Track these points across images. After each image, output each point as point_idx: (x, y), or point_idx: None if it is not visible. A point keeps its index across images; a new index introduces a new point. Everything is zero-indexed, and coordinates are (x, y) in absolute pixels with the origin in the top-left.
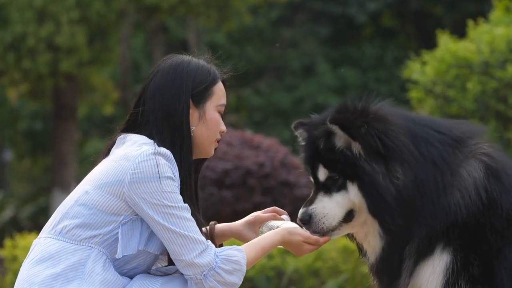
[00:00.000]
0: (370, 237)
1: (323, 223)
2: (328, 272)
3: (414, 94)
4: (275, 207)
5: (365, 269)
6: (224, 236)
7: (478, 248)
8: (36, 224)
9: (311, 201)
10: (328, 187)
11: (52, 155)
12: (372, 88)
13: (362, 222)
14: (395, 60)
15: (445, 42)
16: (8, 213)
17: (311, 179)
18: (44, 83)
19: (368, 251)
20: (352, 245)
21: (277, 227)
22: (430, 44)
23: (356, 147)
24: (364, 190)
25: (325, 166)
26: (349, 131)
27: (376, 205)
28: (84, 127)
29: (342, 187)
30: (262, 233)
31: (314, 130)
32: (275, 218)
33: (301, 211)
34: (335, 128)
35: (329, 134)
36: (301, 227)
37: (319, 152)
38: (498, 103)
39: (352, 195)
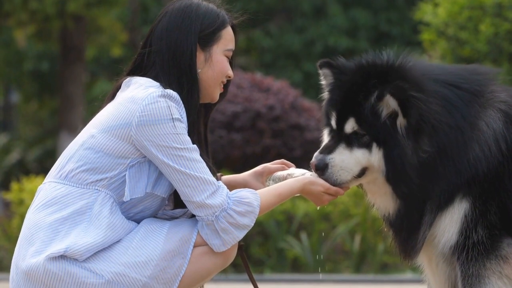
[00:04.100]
0: (380, 197)
1: (339, 175)
2: (339, 216)
3: (426, 36)
4: (283, 159)
5: (376, 213)
6: (229, 187)
7: (496, 195)
8: (43, 167)
9: (330, 150)
10: (350, 141)
11: (60, 97)
12: (383, 30)
13: (371, 180)
14: (406, 1)
15: None
16: (14, 155)
17: (333, 124)
18: (51, 24)
19: (379, 207)
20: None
21: (284, 176)
22: None
23: (401, 122)
24: (389, 158)
25: (357, 122)
26: (404, 109)
27: (395, 174)
28: (92, 69)
29: (365, 145)
30: (268, 184)
31: (346, 75)
32: (283, 170)
33: (318, 156)
34: (392, 101)
35: (380, 100)
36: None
37: (355, 106)
38: (511, 45)
39: (373, 157)
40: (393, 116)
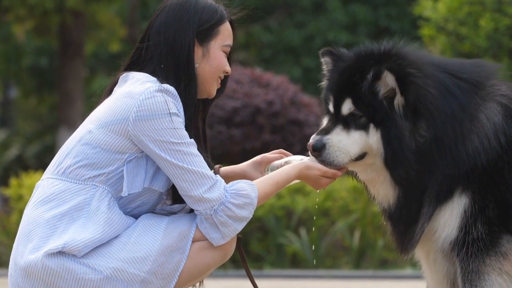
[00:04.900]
0: (379, 184)
1: (337, 156)
2: (338, 212)
3: (425, 31)
4: (281, 149)
5: (375, 208)
6: (228, 177)
7: (495, 190)
8: (41, 162)
9: (327, 131)
10: (347, 122)
11: (58, 93)
12: (383, 25)
13: (367, 164)
14: None
15: None
16: (13, 151)
17: (330, 108)
18: (50, 20)
19: (378, 197)
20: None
21: (281, 164)
22: None
23: (399, 101)
24: (386, 140)
25: (354, 103)
26: (402, 86)
27: (394, 157)
28: (90, 64)
29: (362, 127)
30: (267, 174)
31: (344, 61)
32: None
33: (314, 137)
34: (389, 77)
35: (377, 78)
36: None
37: (351, 86)
38: (511, 40)
39: (371, 139)
40: (390, 96)
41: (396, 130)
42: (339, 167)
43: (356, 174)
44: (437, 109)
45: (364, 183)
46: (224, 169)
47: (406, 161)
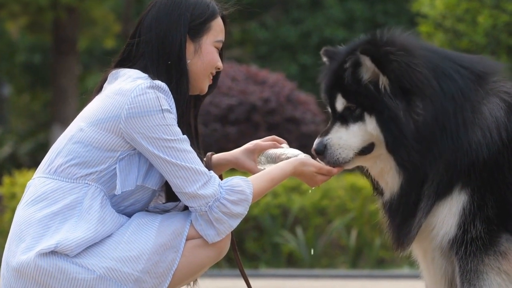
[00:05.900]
0: (386, 174)
1: (339, 153)
2: (335, 211)
3: (423, 28)
4: (274, 136)
5: (372, 207)
6: (220, 165)
7: (495, 187)
8: (35, 160)
9: (327, 132)
10: (345, 118)
11: (52, 90)
12: (380, 22)
13: (376, 156)
14: None
15: None
16: (6, 149)
17: (329, 109)
18: (44, 16)
19: (384, 188)
20: (360, 183)
21: (277, 155)
22: None
23: (383, 81)
24: (383, 124)
25: (344, 96)
26: (380, 65)
27: (394, 140)
28: (84, 61)
29: (359, 118)
30: (260, 162)
31: (336, 59)
32: (275, 147)
33: (316, 141)
34: (366, 60)
35: (357, 65)
36: (315, 157)
37: (339, 81)
38: (509, 37)
39: (369, 127)
40: (375, 80)
41: (389, 112)
42: (346, 164)
43: (366, 170)
44: (431, 88)
45: (373, 179)
46: (216, 156)
47: (406, 141)
